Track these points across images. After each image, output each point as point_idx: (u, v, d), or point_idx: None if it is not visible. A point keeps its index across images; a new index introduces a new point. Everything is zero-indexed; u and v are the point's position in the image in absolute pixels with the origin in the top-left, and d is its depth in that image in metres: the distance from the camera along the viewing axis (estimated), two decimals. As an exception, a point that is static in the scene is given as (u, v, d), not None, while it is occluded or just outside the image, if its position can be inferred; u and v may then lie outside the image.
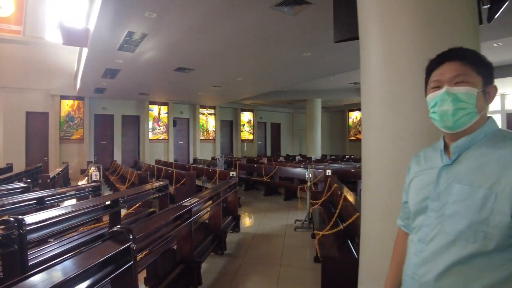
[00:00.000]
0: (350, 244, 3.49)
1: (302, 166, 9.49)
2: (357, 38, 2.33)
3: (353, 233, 3.48)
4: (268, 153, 20.42)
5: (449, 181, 0.99)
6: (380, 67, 2.01)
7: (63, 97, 12.79)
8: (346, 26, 2.60)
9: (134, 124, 15.10)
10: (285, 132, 22.03)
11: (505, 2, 2.40)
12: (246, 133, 19.77)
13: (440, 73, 1.02)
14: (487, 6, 2.39)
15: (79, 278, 1.64)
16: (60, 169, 8.96)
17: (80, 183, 7.37)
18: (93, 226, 4.19)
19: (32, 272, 1.48)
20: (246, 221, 6.30)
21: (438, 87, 1.02)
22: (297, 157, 14.56)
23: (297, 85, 13.36)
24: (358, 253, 2.28)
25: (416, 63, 1.84)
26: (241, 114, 19.33)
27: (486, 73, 1.00)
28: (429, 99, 1.06)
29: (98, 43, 6.71)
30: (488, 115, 1.04)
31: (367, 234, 2.13)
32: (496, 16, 2.47)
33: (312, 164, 9.88)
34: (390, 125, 1.93)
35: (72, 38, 6.71)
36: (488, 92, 1.01)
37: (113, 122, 14.36)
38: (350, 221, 3.50)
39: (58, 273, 1.55)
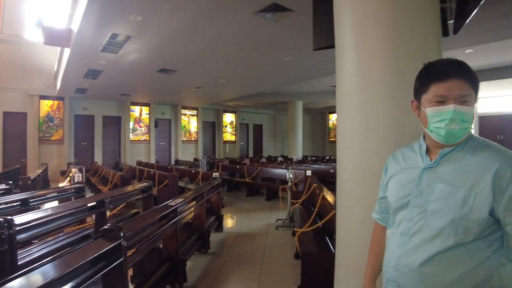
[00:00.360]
0: (328, 240, 3.68)
1: (283, 167, 9.64)
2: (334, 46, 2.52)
3: (330, 229, 3.66)
4: (251, 154, 20.54)
5: (431, 180, 1.08)
6: (354, 74, 2.19)
7: (43, 97, 12.48)
8: (325, 35, 2.76)
9: (115, 125, 14.90)
10: (267, 134, 22.20)
11: (468, 18, 2.69)
12: (229, 134, 19.81)
13: (446, 89, 1.04)
14: (452, 21, 2.66)
15: (75, 274, 1.73)
16: (40, 171, 8.81)
17: (61, 184, 7.28)
18: (78, 227, 4.22)
19: (32, 266, 1.57)
20: (229, 221, 6.42)
21: (442, 102, 1.06)
22: (278, 158, 14.78)
23: (279, 88, 13.59)
24: (335, 248, 2.45)
25: (386, 71, 2.05)
26: (224, 115, 19.36)
27: (477, 92, 1.08)
28: (432, 112, 1.07)
29: (81, 44, 6.67)
30: None
31: (342, 230, 2.31)
32: (461, 29, 2.73)
33: (293, 165, 10.06)
34: (362, 128, 2.11)
35: (54, 38, 6.68)
36: None
37: (93, 123, 14.12)
38: (327, 218, 3.69)
39: (55, 268, 1.64)
